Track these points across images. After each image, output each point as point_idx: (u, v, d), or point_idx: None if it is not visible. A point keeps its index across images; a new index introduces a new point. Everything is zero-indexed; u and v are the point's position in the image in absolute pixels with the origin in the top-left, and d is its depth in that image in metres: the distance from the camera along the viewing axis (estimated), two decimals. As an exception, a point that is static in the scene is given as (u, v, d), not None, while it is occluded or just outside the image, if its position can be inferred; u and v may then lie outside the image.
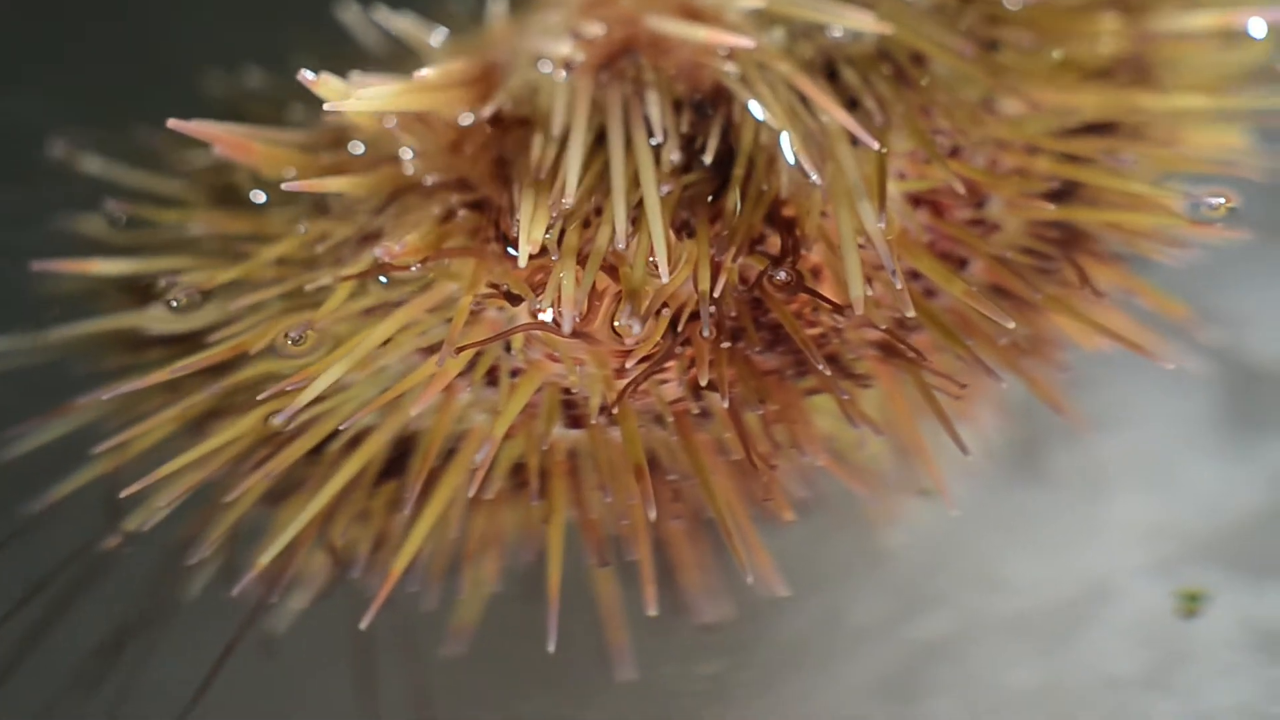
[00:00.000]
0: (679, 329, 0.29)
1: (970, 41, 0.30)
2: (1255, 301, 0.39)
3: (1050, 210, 0.30)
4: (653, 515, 0.28)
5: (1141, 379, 0.38)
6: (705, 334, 0.28)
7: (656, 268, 0.28)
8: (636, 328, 0.28)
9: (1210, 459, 0.37)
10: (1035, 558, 0.36)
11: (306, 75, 0.28)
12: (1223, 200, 0.30)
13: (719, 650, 0.34)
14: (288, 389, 0.29)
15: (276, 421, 0.29)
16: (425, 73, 0.29)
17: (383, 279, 0.29)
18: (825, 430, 0.32)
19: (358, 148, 0.30)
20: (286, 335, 0.30)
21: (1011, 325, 0.29)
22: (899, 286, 0.28)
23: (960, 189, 0.29)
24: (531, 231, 0.28)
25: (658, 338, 0.29)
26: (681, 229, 0.29)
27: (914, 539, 0.36)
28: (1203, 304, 0.36)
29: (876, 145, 0.28)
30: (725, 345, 0.29)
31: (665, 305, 0.29)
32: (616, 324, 0.29)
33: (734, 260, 0.29)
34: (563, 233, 0.28)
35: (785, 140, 0.28)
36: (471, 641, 0.33)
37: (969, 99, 0.30)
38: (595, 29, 0.29)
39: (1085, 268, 0.31)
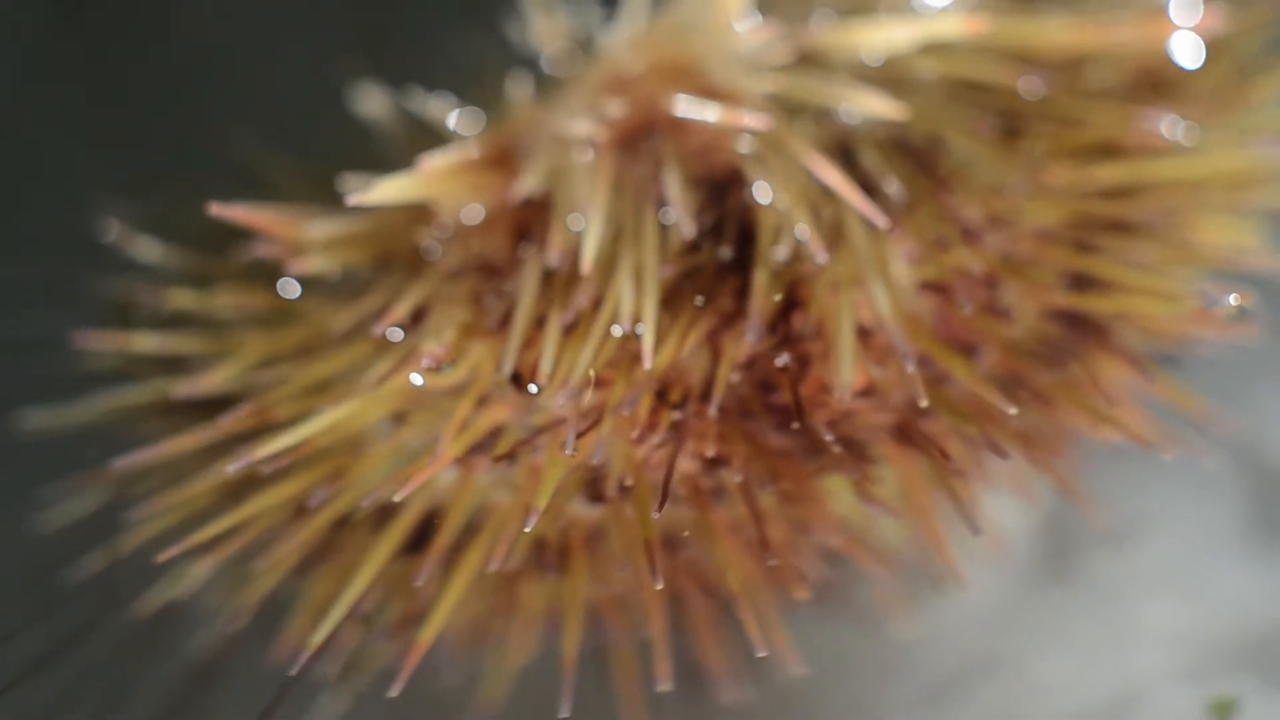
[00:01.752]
0: (685, 407, 0.29)
1: (989, 125, 0.30)
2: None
3: (1063, 299, 0.31)
4: (659, 586, 0.29)
5: (1169, 486, 0.38)
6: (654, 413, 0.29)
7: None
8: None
9: (1239, 567, 0.37)
10: (1066, 662, 0.36)
11: (351, 196, 0.29)
12: (1236, 299, 0.30)
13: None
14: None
15: (229, 470, 0.29)
16: (446, 158, 0.30)
17: (417, 379, 0.30)
18: (841, 514, 0.32)
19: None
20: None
21: (1013, 411, 0.29)
22: (910, 370, 0.29)
23: (976, 273, 0.30)
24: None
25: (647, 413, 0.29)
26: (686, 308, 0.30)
27: (943, 638, 0.36)
28: (1229, 410, 0.36)
29: (885, 224, 0.29)
30: (732, 422, 0.29)
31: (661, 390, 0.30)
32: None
33: (736, 340, 0.29)
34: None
35: (795, 221, 0.29)
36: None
37: (987, 183, 0.30)
38: (616, 110, 0.30)
39: (1099, 362, 0.32)
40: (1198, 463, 0.38)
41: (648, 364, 0.28)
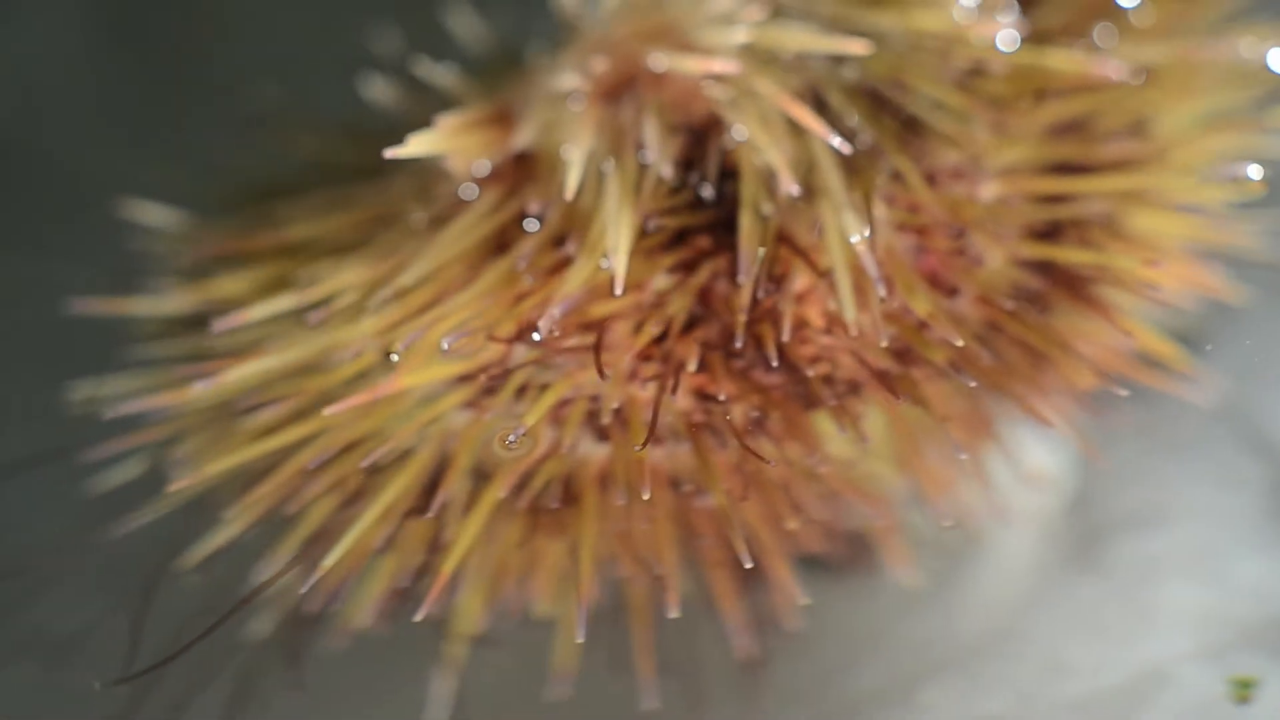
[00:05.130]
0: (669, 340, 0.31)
1: (955, 71, 0.32)
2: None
3: (1030, 248, 0.32)
4: (646, 496, 0.30)
5: (1190, 474, 0.39)
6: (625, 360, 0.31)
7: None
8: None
9: (1258, 551, 0.38)
10: (1091, 643, 0.36)
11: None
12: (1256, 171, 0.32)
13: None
14: None
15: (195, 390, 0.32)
16: (459, 116, 0.33)
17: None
18: (837, 455, 0.33)
19: None
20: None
21: (959, 342, 0.31)
22: (881, 297, 0.31)
23: (940, 216, 0.32)
24: None
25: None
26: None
27: (962, 613, 0.37)
28: (1242, 399, 0.37)
29: (848, 149, 0.31)
30: (720, 359, 0.31)
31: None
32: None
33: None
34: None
35: (770, 159, 0.31)
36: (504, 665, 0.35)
37: (955, 128, 0.32)
38: (601, 67, 0.32)
39: (1076, 311, 0.33)
40: (1216, 452, 0.38)
41: (618, 289, 0.30)
